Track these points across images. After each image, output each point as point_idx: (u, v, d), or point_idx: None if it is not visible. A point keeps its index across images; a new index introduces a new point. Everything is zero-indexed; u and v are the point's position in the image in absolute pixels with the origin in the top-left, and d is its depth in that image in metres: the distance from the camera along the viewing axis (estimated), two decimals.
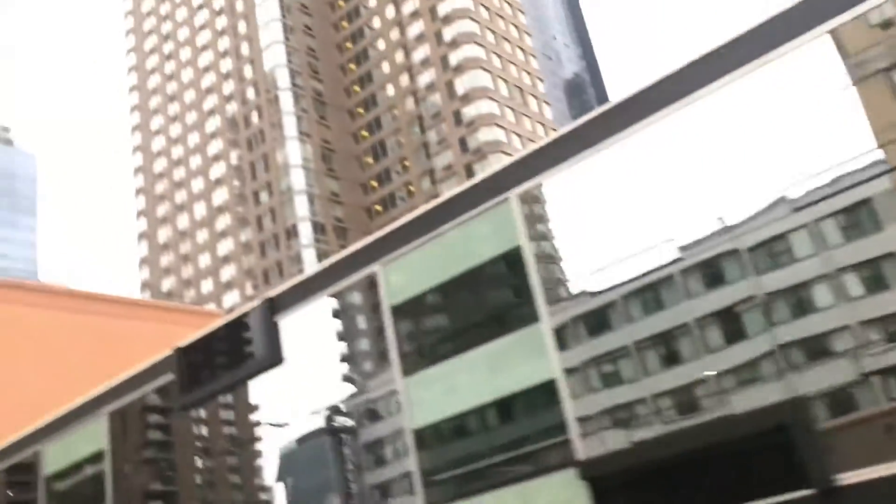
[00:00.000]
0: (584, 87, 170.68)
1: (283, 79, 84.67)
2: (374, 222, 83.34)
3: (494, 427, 11.17)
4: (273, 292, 15.38)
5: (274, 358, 14.85)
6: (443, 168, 77.30)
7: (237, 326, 16.56)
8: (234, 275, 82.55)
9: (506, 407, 11.33)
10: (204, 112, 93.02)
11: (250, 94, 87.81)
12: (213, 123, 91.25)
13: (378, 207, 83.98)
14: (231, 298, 78.90)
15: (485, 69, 78.72)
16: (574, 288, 11.42)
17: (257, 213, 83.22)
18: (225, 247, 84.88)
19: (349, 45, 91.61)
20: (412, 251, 12.73)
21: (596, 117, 8.61)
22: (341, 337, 15.92)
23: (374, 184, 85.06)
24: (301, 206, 79.08)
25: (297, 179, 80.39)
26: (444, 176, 76.29)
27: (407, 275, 12.23)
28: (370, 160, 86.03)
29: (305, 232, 77.80)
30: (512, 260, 10.99)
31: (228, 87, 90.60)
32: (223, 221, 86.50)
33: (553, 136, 7.84)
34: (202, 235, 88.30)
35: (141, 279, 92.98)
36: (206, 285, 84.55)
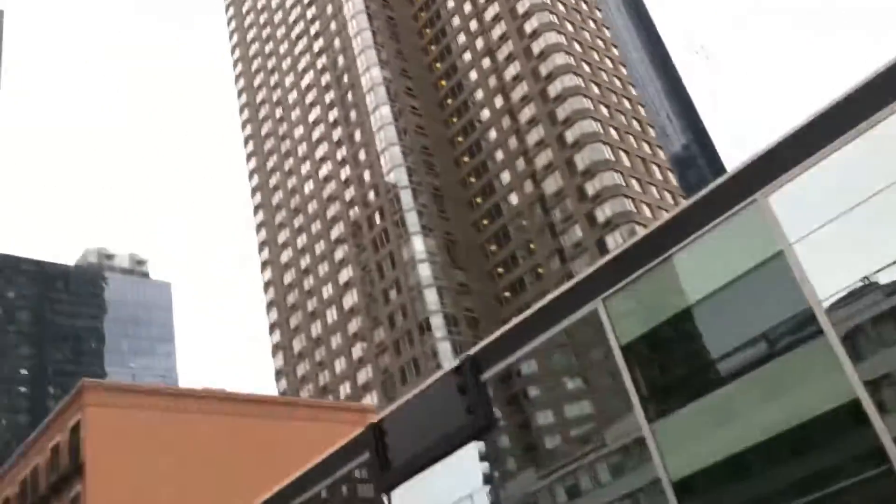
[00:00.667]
0: (694, 159, 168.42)
1: (402, 178, 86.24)
2: (504, 310, 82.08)
3: (781, 464, 9.24)
4: (473, 350, 13.89)
5: (487, 421, 13.38)
6: (572, 245, 75.80)
7: (437, 393, 15.21)
8: (370, 376, 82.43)
9: (793, 439, 9.34)
10: (327, 220, 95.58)
11: (371, 196, 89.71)
12: (338, 230, 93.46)
13: (507, 294, 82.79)
14: (369, 400, 78.42)
15: (603, 142, 77.79)
16: (858, 287, 9.78)
17: (388, 311, 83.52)
18: (359, 349, 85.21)
19: (461, 138, 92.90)
20: (635, 281, 11.21)
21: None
22: (549, 388, 14.31)
23: (501, 270, 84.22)
24: (431, 300, 78.83)
25: (425, 273, 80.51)
26: (574, 253, 74.72)
27: (636, 306, 10.68)
28: (494, 247, 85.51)
29: (438, 325, 77.21)
30: (775, 264, 9.36)
31: (349, 192, 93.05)
32: (355, 324, 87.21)
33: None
34: (336, 340, 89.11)
35: (279, 389, 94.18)
36: (344, 389, 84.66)
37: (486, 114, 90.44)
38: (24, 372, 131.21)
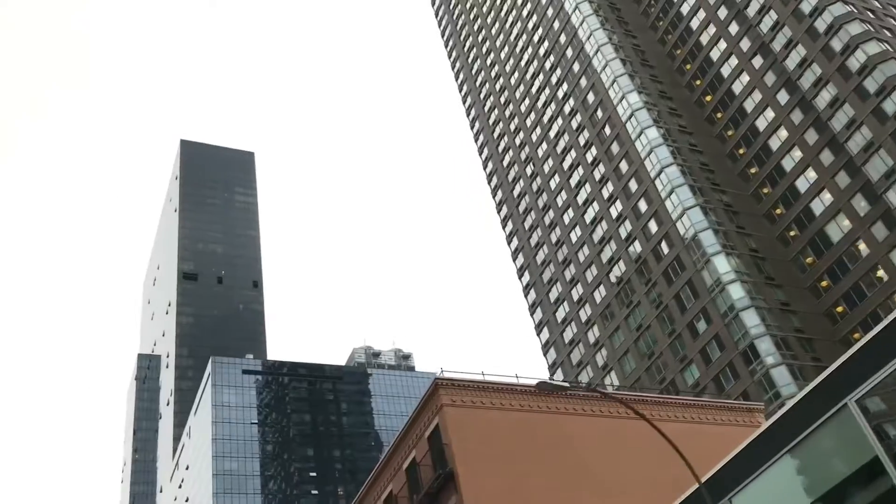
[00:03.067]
0: None
1: (687, 198, 77.48)
2: (840, 326, 69.25)
3: None
4: None
5: None
6: None
7: None
8: None
9: None
10: (603, 263, 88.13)
11: (652, 225, 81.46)
12: (618, 270, 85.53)
13: (839, 309, 69.96)
14: None
15: None
16: None
17: (698, 346, 73.31)
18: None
19: (741, 151, 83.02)
20: None
21: None
22: None
23: (825, 283, 71.71)
24: (752, 323, 67.93)
25: (738, 295, 70.04)
26: None
27: None
28: (810, 259, 73.48)
29: (768, 350, 65.84)
30: None
31: (624, 229, 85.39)
32: (662, 367, 77.57)
33: None
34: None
35: None
36: None
37: (762, 123, 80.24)
38: (312, 475, 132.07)
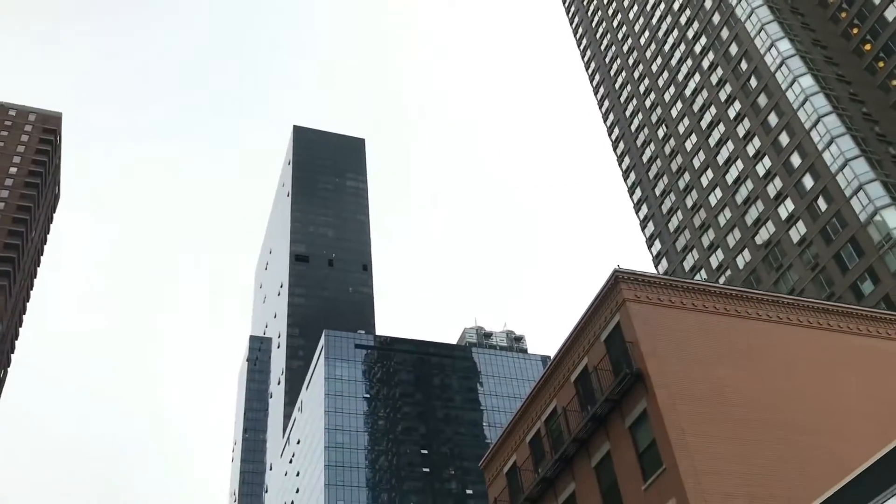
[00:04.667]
0: None
1: (849, 147, 69.88)
2: None
3: None
4: None
5: None
6: None
7: None
8: None
9: None
10: (755, 242, 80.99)
11: (806, 182, 74.01)
12: (773, 235, 78.34)
13: None
14: None
15: None
16: None
17: None
18: None
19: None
20: None
21: None
22: None
23: None
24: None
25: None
26: None
27: None
28: None
29: None
30: None
31: (785, 208, 78.18)
32: None
33: None
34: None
35: None
36: None
37: None
38: (424, 452, 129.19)
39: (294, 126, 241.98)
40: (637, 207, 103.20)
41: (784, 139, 77.86)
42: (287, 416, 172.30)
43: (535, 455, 31.92)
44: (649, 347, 25.96)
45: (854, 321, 29.99)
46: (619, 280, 27.64)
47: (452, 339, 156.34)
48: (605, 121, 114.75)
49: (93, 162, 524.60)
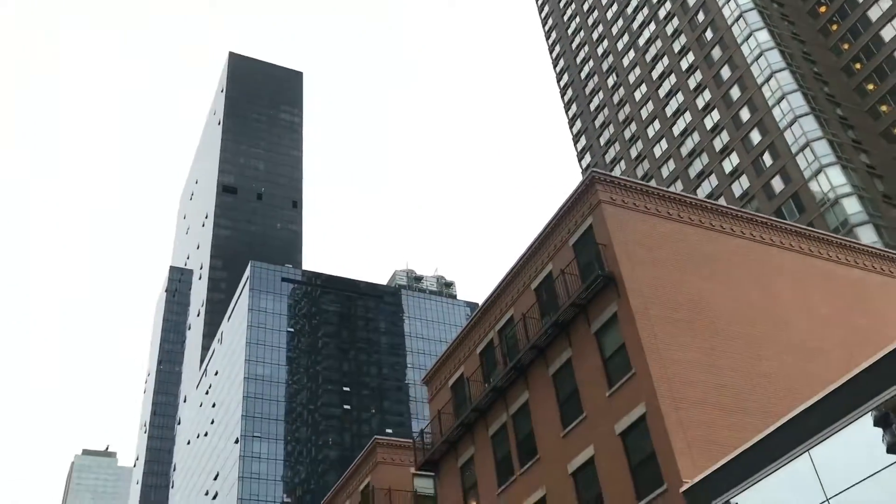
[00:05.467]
0: None
1: (799, 105, 69.89)
2: None
3: None
4: None
5: None
6: None
7: None
8: None
9: None
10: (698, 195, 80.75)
11: (754, 137, 73.93)
12: (716, 188, 78.29)
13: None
14: None
15: None
16: None
17: None
18: None
19: (858, 65, 75.02)
20: None
21: None
22: None
23: None
24: (869, 239, 60.89)
25: (852, 208, 62.99)
26: None
27: None
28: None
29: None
30: None
31: (730, 162, 77.94)
32: None
33: None
34: None
35: None
36: None
37: (892, 29, 71.93)
38: (346, 389, 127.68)
39: (230, 53, 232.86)
40: (580, 156, 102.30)
41: (735, 93, 77.55)
42: (205, 348, 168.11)
43: (485, 366, 30.35)
44: (623, 250, 24.43)
45: (825, 247, 29.16)
46: (595, 181, 25.93)
47: (382, 281, 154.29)
48: (554, 66, 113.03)
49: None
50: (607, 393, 23.45)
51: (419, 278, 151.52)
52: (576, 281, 25.70)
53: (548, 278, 27.54)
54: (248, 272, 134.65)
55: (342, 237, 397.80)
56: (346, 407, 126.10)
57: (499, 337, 29.83)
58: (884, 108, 71.99)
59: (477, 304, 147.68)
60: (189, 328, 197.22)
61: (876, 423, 15.83)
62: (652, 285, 24.03)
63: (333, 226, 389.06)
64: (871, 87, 73.63)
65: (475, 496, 29.41)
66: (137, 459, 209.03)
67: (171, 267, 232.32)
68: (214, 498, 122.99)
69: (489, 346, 30.35)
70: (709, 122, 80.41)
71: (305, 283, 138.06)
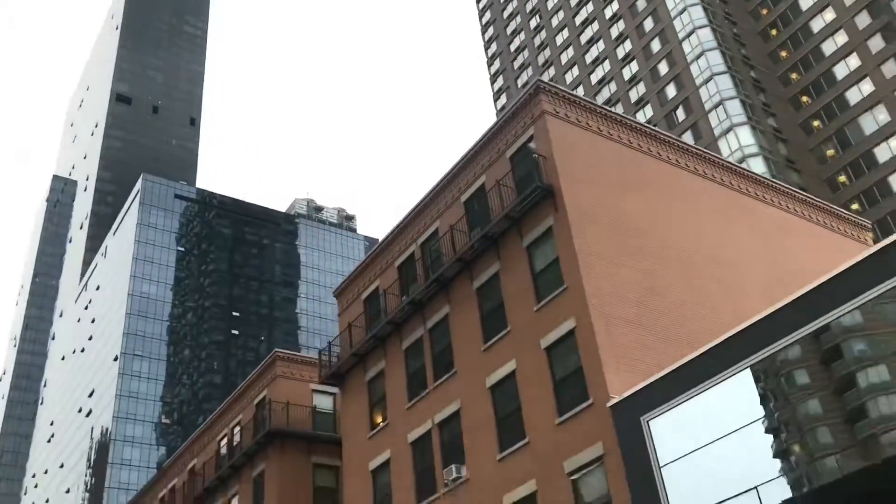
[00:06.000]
0: None
1: (717, 63, 70.83)
2: None
3: None
4: None
5: None
6: None
7: None
8: None
9: None
10: None
11: (669, 91, 74.70)
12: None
13: (854, 207, 65.53)
14: None
15: None
16: None
17: None
18: None
19: (774, 31, 76.62)
20: None
21: None
22: None
23: (842, 178, 67.00)
24: None
25: (758, 170, 64.62)
26: None
27: None
28: (831, 152, 68.37)
29: None
30: None
31: (643, 115, 78.34)
32: None
33: None
34: None
35: None
36: None
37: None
38: (235, 314, 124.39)
39: None
40: (496, 96, 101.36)
41: (656, 45, 77.99)
42: (87, 262, 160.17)
43: (404, 279, 29.20)
44: (564, 164, 23.55)
45: (753, 185, 29.21)
46: (540, 90, 24.85)
47: (282, 209, 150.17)
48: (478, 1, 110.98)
49: None
50: (535, 307, 22.75)
51: (319, 209, 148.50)
52: (511, 193, 24.72)
53: (480, 191, 26.46)
54: (139, 185, 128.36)
55: (243, 161, 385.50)
56: (233, 332, 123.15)
57: (421, 250, 28.69)
58: (794, 75, 73.94)
59: (377, 240, 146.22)
60: (70, 241, 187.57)
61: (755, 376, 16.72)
62: (590, 202, 23.32)
63: (234, 148, 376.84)
64: (784, 53, 75.41)
65: (382, 410, 28.51)
66: (4, 373, 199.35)
67: (54, 176, 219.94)
68: (88, 415, 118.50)
69: (410, 260, 29.19)
70: (627, 73, 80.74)
71: (200, 201, 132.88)
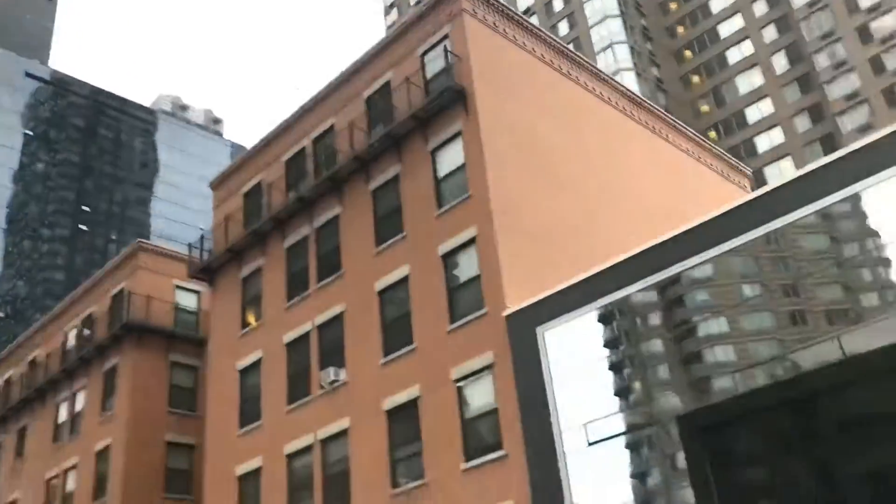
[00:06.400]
0: None
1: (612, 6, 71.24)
2: None
3: None
4: None
5: None
6: None
7: None
8: None
9: None
10: None
11: (561, 28, 74.58)
12: None
13: None
14: None
15: None
16: None
17: None
18: None
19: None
20: None
21: None
22: None
23: (713, 135, 69.64)
24: None
25: None
26: None
27: None
28: (706, 108, 70.85)
29: None
30: None
31: None
32: None
33: None
34: None
35: None
36: None
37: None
38: (85, 209, 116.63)
39: None
40: (388, 10, 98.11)
41: None
42: None
43: (291, 175, 27.56)
44: (479, 68, 22.55)
45: (656, 120, 29.35)
46: None
47: (146, 103, 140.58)
48: None
49: None
50: (436, 213, 21.91)
51: (185, 108, 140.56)
52: (419, 94, 23.52)
53: (385, 87, 25.08)
54: None
55: (106, 47, 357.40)
56: (81, 227, 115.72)
57: (313, 146, 27.09)
58: (681, 29, 75.57)
59: (244, 147, 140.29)
60: None
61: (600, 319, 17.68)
62: (503, 111, 22.53)
63: (98, 32, 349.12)
64: (674, 5, 76.79)
65: (255, 309, 27.13)
66: None
67: None
68: None
69: (300, 155, 27.54)
70: (522, 4, 79.91)
71: (54, 84, 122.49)
